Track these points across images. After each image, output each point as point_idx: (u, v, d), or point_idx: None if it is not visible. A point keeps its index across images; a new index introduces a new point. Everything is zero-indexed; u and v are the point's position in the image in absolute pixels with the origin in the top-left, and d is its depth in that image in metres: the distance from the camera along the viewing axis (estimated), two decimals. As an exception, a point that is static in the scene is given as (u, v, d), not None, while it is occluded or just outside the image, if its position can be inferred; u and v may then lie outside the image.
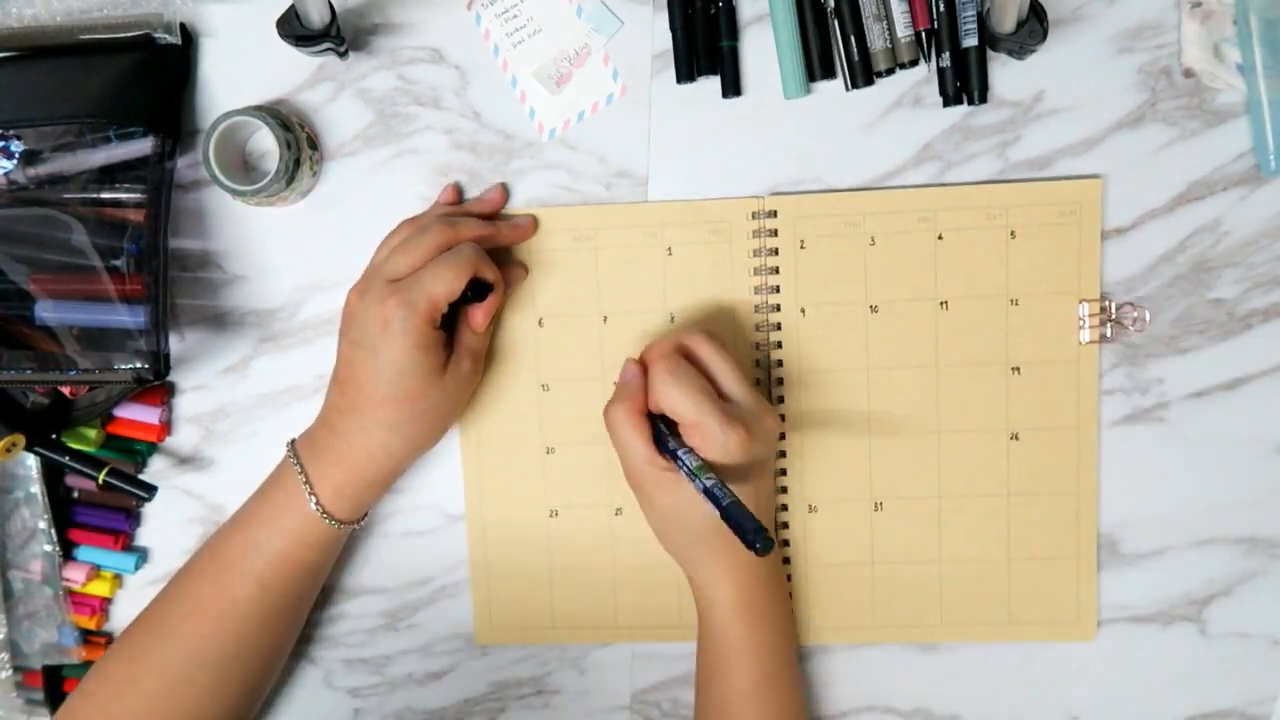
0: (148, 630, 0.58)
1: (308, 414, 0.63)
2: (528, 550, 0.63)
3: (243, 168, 0.61)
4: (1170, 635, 0.62)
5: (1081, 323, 0.60)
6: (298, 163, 0.59)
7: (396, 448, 0.56)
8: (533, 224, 0.60)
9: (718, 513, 0.49)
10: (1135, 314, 0.60)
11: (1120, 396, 0.61)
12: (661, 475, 0.54)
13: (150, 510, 0.65)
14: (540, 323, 0.62)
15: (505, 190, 0.61)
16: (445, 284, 0.54)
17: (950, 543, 0.62)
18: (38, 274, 0.58)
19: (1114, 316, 0.60)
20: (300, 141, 0.59)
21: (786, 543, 0.62)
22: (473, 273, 0.55)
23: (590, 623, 0.64)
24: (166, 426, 0.64)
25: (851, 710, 0.64)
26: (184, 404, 0.64)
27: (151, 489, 0.60)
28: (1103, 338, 0.60)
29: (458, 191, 0.61)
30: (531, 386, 0.62)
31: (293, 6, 0.55)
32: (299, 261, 0.62)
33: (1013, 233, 0.59)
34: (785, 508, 0.62)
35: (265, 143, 0.61)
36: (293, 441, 0.59)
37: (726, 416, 0.52)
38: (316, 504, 0.56)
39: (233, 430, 0.64)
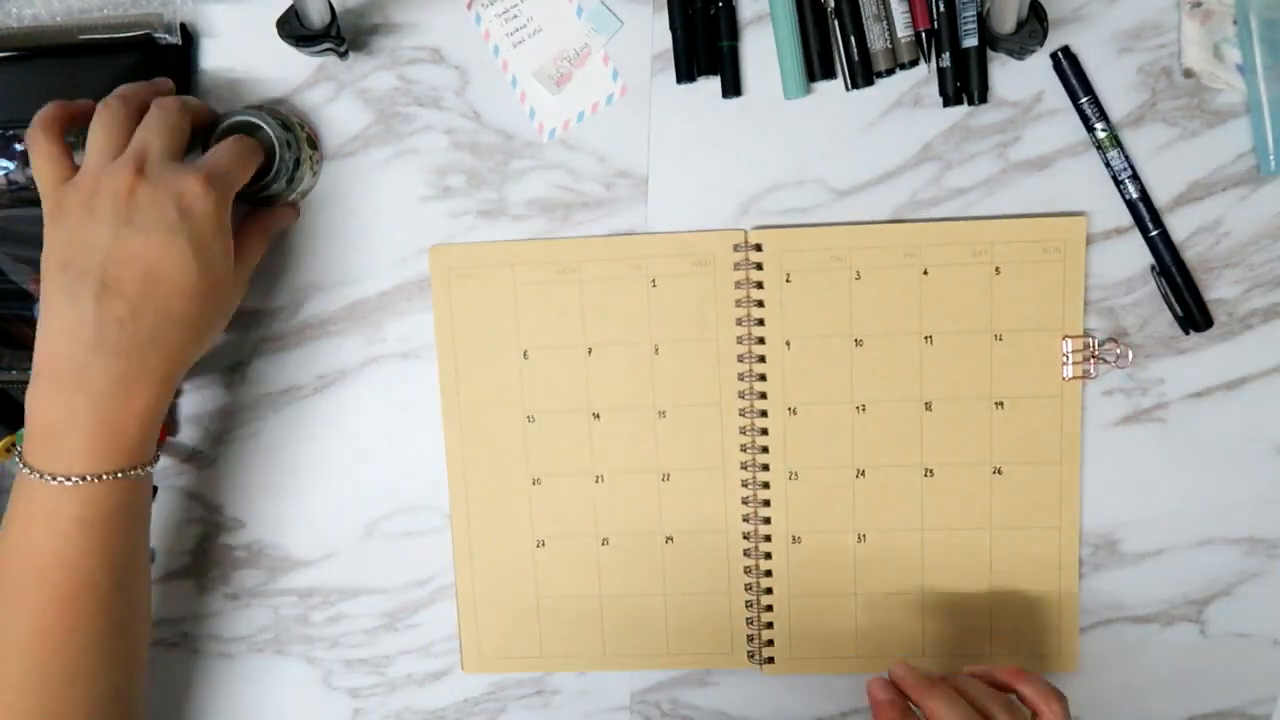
0: None
1: (307, 414, 0.63)
2: (515, 580, 0.63)
3: None
4: (1170, 635, 0.62)
5: (1065, 359, 0.60)
6: (297, 163, 0.59)
7: (188, 352, 0.52)
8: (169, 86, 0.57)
9: None
10: (1118, 350, 0.60)
11: (1120, 396, 0.61)
12: None
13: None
14: (525, 355, 0.62)
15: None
16: (245, 165, 0.53)
17: (933, 576, 0.62)
18: (39, 273, 0.57)
19: (1096, 353, 0.60)
20: (300, 141, 0.59)
21: (769, 573, 0.62)
22: (261, 160, 0.55)
23: (579, 652, 0.64)
24: (166, 426, 0.64)
25: (852, 710, 0.64)
26: (184, 404, 0.64)
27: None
28: (1085, 374, 0.60)
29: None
30: (517, 418, 0.62)
31: (293, 6, 0.55)
32: (299, 261, 0.62)
33: (997, 269, 0.59)
34: (769, 539, 0.62)
35: (265, 142, 0.61)
36: (20, 453, 0.51)
37: None
38: (103, 475, 0.49)
39: (233, 430, 0.64)
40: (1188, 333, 0.59)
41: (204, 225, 0.50)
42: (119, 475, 0.50)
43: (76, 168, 0.52)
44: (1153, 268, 0.59)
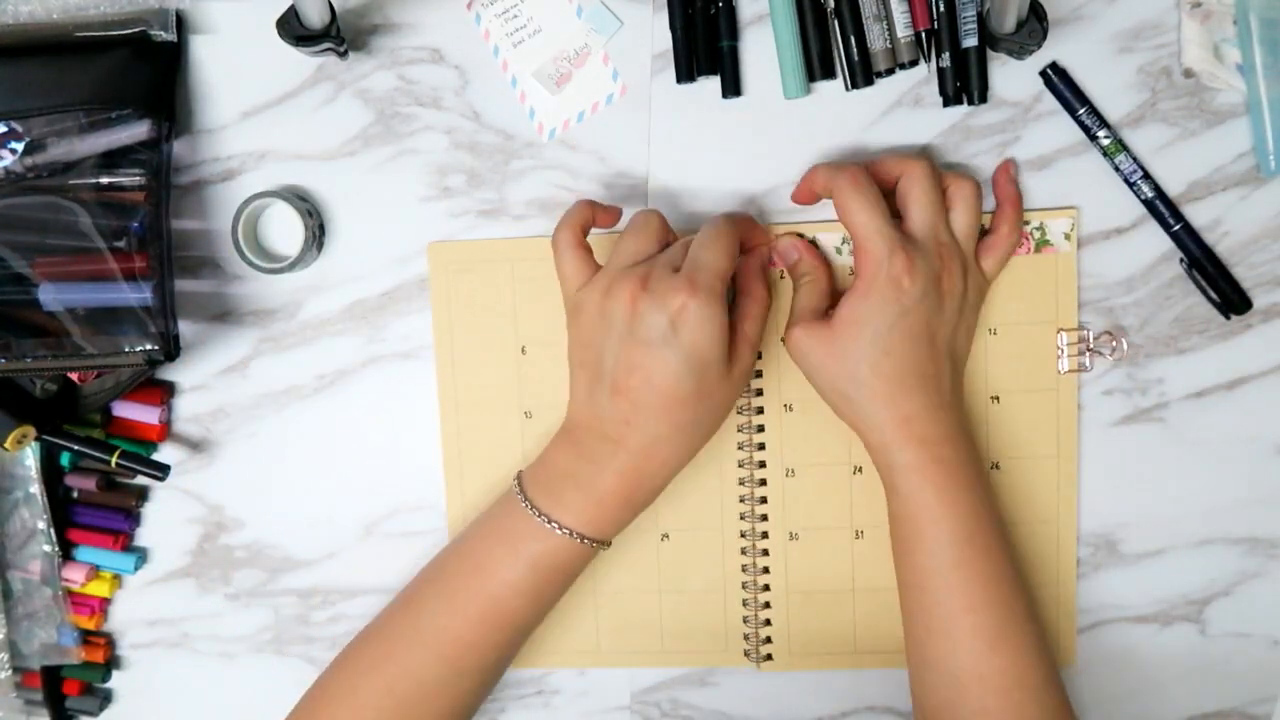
0: (402, 635, 0.56)
1: (308, 414, 0.63)
2: None
3: (255, 238, 0.62)
4: (1170, 635, 0.62)
5: (1060, 352, 0.60)
6: (322, 228, 0.61)
7: (682, 457, 0.54)
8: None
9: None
10: (1113, 343, 0.60)
11: (1120, 396, 0.61)
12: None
13: (150, 510, 0.65)
14: (524, 350, 0.62)
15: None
16: (728, 256, 0.52)
17: None
18: (44, 260, 0.57)
19: (1092, 346, 0.60)
20: (316, 208, 0.61)
21: (767, 569, 0.62)
22: (739, 239, 0.53)
23: (574, 649, 0.64)
24: (166, 427, 0.64)
25: (852, 710, 0.64)
26: (184, 404, 0.64)
27: (165, 468, 0.60)
28: (1081, 367, 0.60)
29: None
30: (515, 414, 0.62)
31: (293, 6, 0.55)
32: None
33: None
34: (766, 535, 0.62)
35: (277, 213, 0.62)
36: (519, 476, 0.56)
37: (898, 240, 0.52)
38: (575, 534, 0.53)
39: (233, 430, 0.64)
40: (1228, 317, 0.59)
41: (694, 335, 0.50)
42: (582, 539, 0.53)
43: (598, 266, 0.55)
44: (1182, 261, 0.59)
